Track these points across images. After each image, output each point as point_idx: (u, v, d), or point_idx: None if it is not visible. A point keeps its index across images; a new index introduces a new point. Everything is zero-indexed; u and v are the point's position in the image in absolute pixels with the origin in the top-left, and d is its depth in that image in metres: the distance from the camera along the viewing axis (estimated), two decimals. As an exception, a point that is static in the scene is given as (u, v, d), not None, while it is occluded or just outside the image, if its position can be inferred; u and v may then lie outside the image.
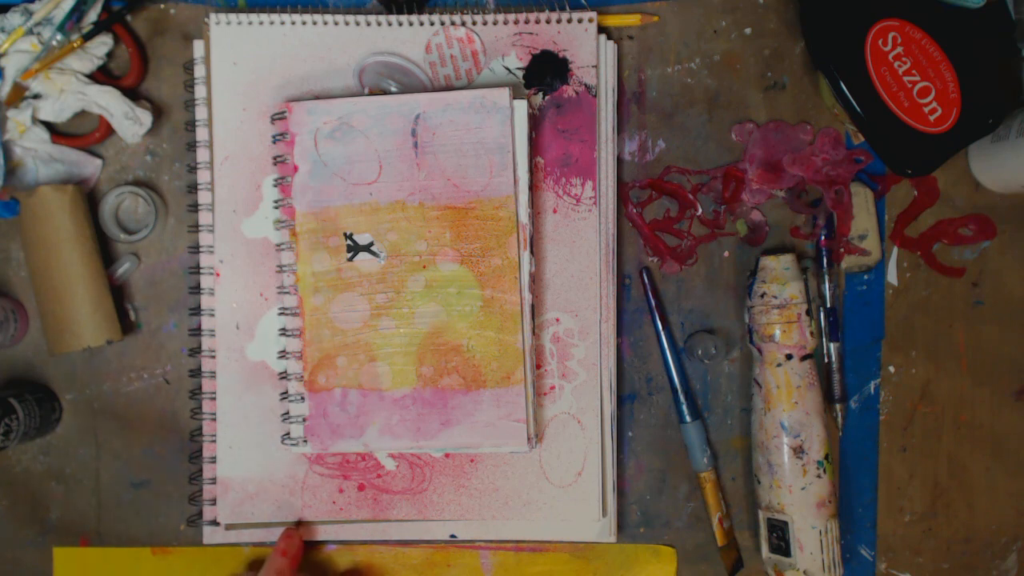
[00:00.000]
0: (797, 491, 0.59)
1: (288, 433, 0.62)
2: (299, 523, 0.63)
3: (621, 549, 0.64)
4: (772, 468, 0.60)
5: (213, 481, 0.63)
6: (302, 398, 0.61)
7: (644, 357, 0.64)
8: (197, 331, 0.63)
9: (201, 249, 0.63)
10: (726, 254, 0.64)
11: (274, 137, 0.61)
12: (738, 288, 0.64)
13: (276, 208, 0.62)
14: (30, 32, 0.60)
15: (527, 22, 0.62)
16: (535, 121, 0.62)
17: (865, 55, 0.58)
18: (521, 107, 0.59)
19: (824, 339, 0.64)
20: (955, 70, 0.59)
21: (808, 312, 0.60)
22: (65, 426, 0.65)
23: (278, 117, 0.61)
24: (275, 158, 0.61)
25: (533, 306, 0.61)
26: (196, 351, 0.64)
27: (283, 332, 0.62)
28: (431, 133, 0.59)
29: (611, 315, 0.62)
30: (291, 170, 0.60)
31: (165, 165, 0.64)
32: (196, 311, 0.63)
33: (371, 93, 0.62)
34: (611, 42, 0.62)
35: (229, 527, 0.63)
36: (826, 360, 0.64)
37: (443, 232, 0.60)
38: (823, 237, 0.63)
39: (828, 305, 0.63)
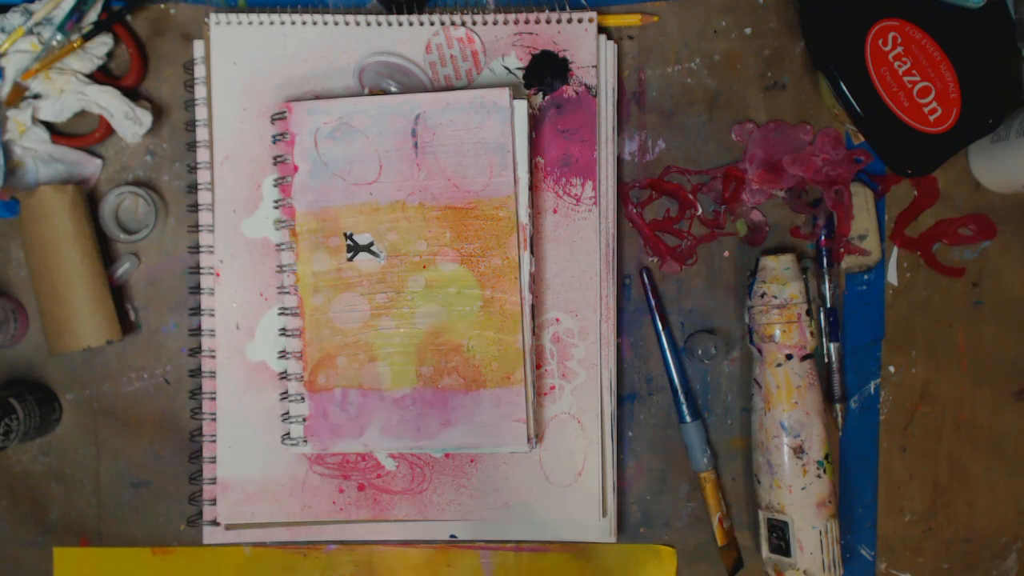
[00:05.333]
0: (797, 491, 0.59)
1: (288, 433, 0.62)
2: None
3: (621, 549, 0.64)
4: (772, 468, 0.60)
5: (213, 481, 0.63)
6: (302, 398, 0.61)
7: (644, 357, 0.64)
8: (197, 331, 0.63)
9: (201, 249, 0.63)
10: (726, 254, 0.64)
11: (274, 137, 0.61)
12: (738, 288, 0.64)
13: (276, 208, 0.62)
14: (30, 32, 0.60)
15: (527, 22, 0.62)
16: (535, 121, 0.62)
17: (865, 55, 0.58)
18: (521, 107, 0.59)
19: (824, 339, 0.64)
20: (955, 70, 0.59)
21: (808, 312, 0.60)
22: (65, 426, 0.65)
23: (278, 117, 0.61)
24: (275, 158, 0.61)
25: (533, 306, 0.61)
26: (196, 351, 0.64)
27: (283, 332, 0.62)
28: (431, 133, 0.59)
29: (611, 315, 0.62)
30: (291, 170, 0.60)
31: (165, 165, 0.64)
32: (196, 311, 0.63)
33: (371, 93, 0.62)
34: (611, 42, 0.62)
35: (229, 527, 0.63)
36: (826, 360, 0.64)
37: (443, 232, 0.60)
38: (823, 237, 0.63)
39: (828, 305, 0.63)
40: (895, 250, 0.64)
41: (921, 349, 0.64)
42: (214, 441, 0.63)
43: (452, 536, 0.63)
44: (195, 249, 0.64)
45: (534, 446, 0.61)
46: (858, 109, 0.57)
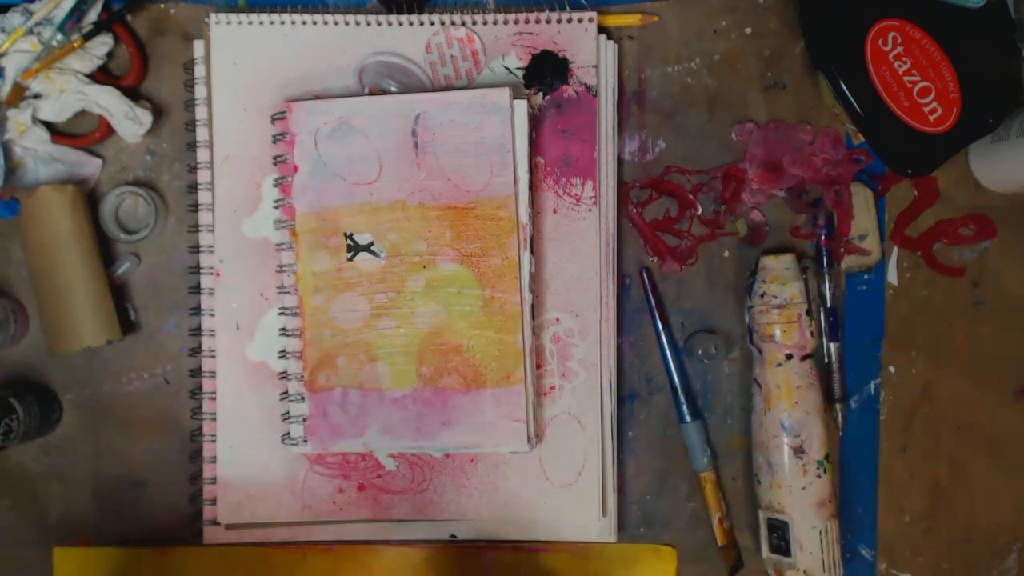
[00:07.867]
0: (797, 491, 0.59)
1: (288, 433, 0.62)
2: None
3: (621, 549, 0.64)
4: (772, 468, 0.60)
5: (213, 481, 0.63)
6: (302, 398, 0.61)
7: (644, 357, 0.64)
8: (197, 331, 0.63)
9: (201, 249, 0.63)
10: (726, 254, 0.64)
11: (274, 137, 0.61)
12: (738, 288, 0.64)
13: (276, 208, 0.62)
14: (30, 32, 0.60)
15: (527, 22, 0.62)
16: (535, 121, 0.62)
17: (865, 55, 0.58)
18: (521, 107, 0.59)
19: (824, 339, 0.64)
20: (955, 70, 0.59)
21: (808, 312, 0.60)
22: (65, 426, 0.65)
23: (278, 117, 0.61)
24: (275, 158, 0.61)
25: (533, 306, 0.61)
26: (196, 351, 0.64)
27: (283, 332, 0.62)
28: (431, 133, 0.59)
29: (611, 315, 0.62)
30: (291, 170, 0.60)
31: (165, 165, 0.64)
32: (196, 311, 0.63)
33: (371, 93, 0.62)
34: (611, 42, 0.62)
35: (229, 527, 0.63)
36: (826, 360, 0.64)
37: (443, 232, 0.60)
38: (823, 237, 0.63)
39: (828, 305, 0.63)
40: (895, 250, 0.64)
41: (921, 349, 0.64)
42: (214, 441, 0.63)
43: (452, 536, 0.63)
44: (195, 249, 0.64)
45: (534, 446, 0.61)
46: (858, 109, 0.57)
